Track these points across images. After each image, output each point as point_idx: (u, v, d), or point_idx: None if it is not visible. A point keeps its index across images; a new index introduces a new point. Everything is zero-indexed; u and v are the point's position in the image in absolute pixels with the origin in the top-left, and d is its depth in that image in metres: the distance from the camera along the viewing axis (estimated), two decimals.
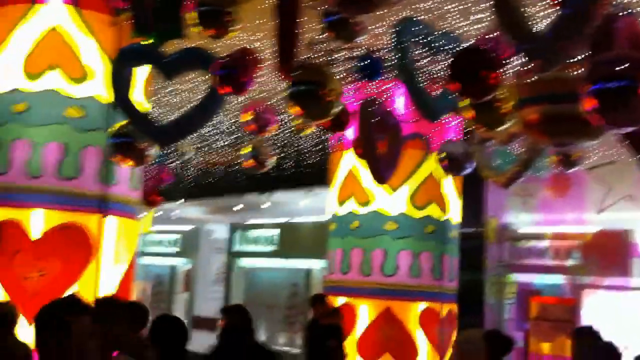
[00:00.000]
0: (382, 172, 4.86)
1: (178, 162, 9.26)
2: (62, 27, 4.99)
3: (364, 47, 5.35)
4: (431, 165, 6.72)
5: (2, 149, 4.95)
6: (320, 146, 8.26)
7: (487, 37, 3.11)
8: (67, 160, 4.95)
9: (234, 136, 7.95)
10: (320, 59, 3.40)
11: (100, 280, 5.03)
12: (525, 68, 3.11)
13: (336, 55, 5.34)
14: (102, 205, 5.05)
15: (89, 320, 2.55)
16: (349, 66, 5.58)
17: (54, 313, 2.54)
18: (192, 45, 4.11)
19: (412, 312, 6.85)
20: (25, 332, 4.73)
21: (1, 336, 4.17)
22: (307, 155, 8.31)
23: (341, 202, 7.28)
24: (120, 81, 4.13)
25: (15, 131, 4.93)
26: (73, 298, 2.77)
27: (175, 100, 6.89)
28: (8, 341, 4.38)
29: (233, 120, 7.25)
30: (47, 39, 4.97)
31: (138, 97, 4.96)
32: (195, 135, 7.89)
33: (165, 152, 8.73)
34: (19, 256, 4.89)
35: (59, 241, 4.94)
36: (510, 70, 3.22)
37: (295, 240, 11.10)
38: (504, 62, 3.04)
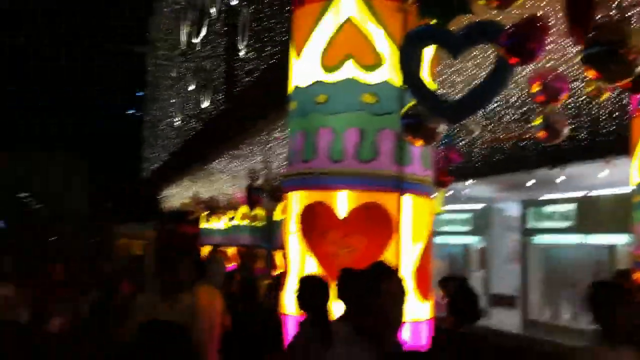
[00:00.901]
0: None
1: (466, 141, 9.30)
2: (356, 17, 5.35)
3: None
4: None
5: (309, 137, 5.46)
6: (617, 113, 7.64)
7: None
8: (364, 144, 5.28)
9: (523, 109, 7.72)
10: (617, 17, 3.13)
11: (401, 257, 5.28)
12: None
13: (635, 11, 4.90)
14: (399, 185, 5.31)
15: (397, 282, 2.76)
16: None
17: (368, 277, 2.79)
18: (477, 19, 4.10)
19: None
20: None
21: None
22: (603, 123, 7.75)
23: None
24: (409, 63, 4.29)
25: (319, 121, 5.40)
26: (382, 263, 3.01)
27: (459, 79, 6.92)
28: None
29: (520, 93, 7.05)
30: (343, 31, 5.35)
31: (425, 78, 5.10)
32: (482, 112, 7.86)
33: (452, 132, 8.84)
34: (329, 235, 5.34)
35: (364, 220, 5.28)
36: None
37: (594, 214, 10.42)
38: None
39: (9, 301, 5.38)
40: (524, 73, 6.23)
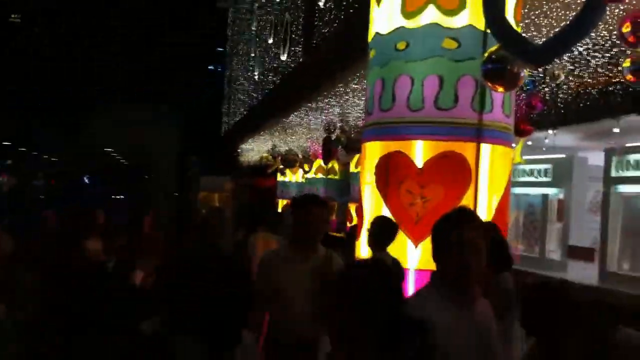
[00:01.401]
0: None
1: (549, 88, 8.98)
2: None
3: None
4: None
5: (388, 86, 5.41)
6: None
7: None
8: (444, 92, 5.18)
9: (611, 52, 7.36)
10: None
11: (478, 207, 5.21)
12: None
13: None
14: (478, 133, 5.20)
15: (478, 229, 2.72)
16: None
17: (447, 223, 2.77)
18: None
19: None
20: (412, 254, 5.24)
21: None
22: None
23: None
24: (493, 5, 4.17)
25: (398, 68, 5.33)
26: (465, 209, 2.99)
27: (545, 21, 6.65)
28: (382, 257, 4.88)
29: (609, 35, 6.71)
30: None
31: (510, 20, 4.94)
32: (566, 56, 7.55)
33: (535, 78, 8.55)
34: (406, 184, 5.32)
35: (441, 169, 5.22)
36: None
37: None
38: None
39: (97, 254, 5.65)
40: (615, 13, 5.92)
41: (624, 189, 11.40)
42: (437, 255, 2.76)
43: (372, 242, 5.39)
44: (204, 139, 30.08)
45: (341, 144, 14.95)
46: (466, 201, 5.19)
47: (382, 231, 5.35)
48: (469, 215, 2.91)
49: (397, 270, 5.03)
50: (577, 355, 2.52)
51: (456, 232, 2.67)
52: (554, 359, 2.56)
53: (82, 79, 40.75)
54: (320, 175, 20.98)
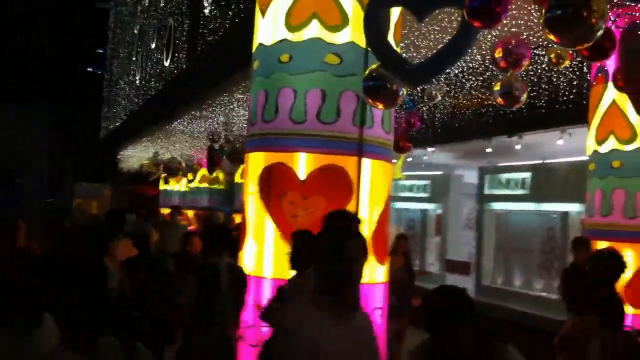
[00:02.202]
0: None
1: (427, 107, 9.34)
2: None
3: None
4: None
5: (271, 97, 5.40)
6: (576, 82, 7.76)
7: None
8: (326, 105, 5.24)
9: (484, 76, 7.76)
10: None
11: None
12: None
13: None
14: (359, 147, 5.30)
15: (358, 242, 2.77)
16: None
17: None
18: None
19: None
20: None
21: None
22: (562, 91, 7.86)
23: (600, 141, 6.83)
24: (374, 24, 4.26)
25: (281, 80, 5.34)
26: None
27: (424, 43, 6.91)
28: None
29: (482, 60, 7.08)
30: None
31: (390, 40, 5.07)
32: (443, 77, 7.89)
33: (414, 97, 8.86)
34: (289, 196, 5.33)
35: (323, 181, 5.28)
36: None
37: (549, 182, 10.64)
38: None
39: None
40: (488, 39, 6.25)
41: (496, 206, 12.06)
42: (317, 263, 2.78)
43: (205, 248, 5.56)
44: (81, 143, 28.81)
45: (225, 154, 14.82)
46: None
47: (213, 238, 5.48)
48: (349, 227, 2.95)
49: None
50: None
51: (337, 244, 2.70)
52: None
53: None
54: (204, 185, 20.68)
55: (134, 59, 20.13)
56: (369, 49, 4.62)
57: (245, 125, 11.64)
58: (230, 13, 10.05)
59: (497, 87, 5.25)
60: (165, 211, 19.69)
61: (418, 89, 8.46)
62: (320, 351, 2.56)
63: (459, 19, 3.80)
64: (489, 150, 9.97)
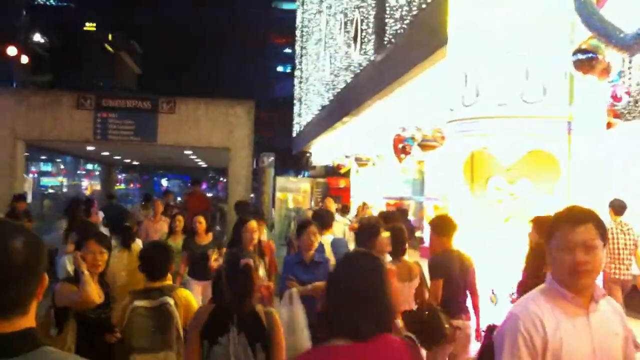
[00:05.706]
0: None
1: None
2: None
3: None
4: None
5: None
6: None
7: None
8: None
9: None
10: None
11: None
12: None
13: None
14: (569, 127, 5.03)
15: None
16: None
17: None
18: None
19: None
20: None
21: None
22: None
23: None
24: None
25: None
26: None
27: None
28: None
29: None
30: None
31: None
32: None
33: (622, 70, 8.17)
34: (493, 180, 5.20)
35: (529, 165, 5.10)
36: None
37: None
38: None
39: None
40: None
41: None
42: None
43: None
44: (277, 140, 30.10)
45: (414, 142, 14.79)
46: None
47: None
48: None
49: None
50: None
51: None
52: None
53: None
54: (396, 174, 20.81)
55: (322, 54, 20.75)
56: (581, 20, 4.36)
57: (437, 113, 11.53)
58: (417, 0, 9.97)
59: None
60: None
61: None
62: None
63: None
64: None
